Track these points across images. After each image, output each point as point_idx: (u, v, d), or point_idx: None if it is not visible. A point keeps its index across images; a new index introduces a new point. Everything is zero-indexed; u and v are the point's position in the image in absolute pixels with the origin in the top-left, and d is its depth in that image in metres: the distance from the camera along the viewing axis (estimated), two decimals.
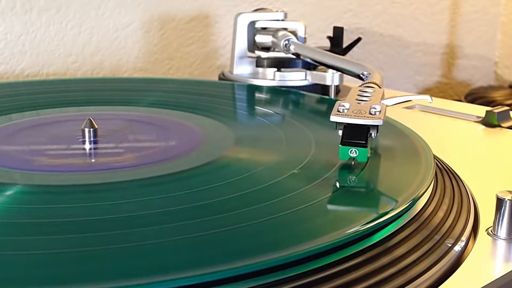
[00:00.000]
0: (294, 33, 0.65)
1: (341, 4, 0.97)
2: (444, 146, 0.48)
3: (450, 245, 0.30)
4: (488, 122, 0.55)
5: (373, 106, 0.36)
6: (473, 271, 0.29)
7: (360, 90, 0.40)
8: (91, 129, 0.41)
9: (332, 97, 0.62)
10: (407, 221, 0.31)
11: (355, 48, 0.73)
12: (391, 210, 0.30)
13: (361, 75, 0.52)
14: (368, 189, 0.35)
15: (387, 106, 0.38)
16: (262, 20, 0.67)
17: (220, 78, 0.68)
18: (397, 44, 1.06)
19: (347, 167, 0.36)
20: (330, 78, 0.61)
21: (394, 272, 0.27)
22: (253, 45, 0.67)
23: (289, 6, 0.91)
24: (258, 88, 0.61)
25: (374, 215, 0.30)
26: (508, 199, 0.31)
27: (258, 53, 0.67)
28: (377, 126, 0.36)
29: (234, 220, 0.29)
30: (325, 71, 0.62)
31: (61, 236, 0.27)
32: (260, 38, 0.67)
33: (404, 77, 1.08)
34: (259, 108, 0.55)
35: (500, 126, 0.54)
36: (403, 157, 0.39)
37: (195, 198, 0.32)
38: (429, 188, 0.34)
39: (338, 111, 0.36)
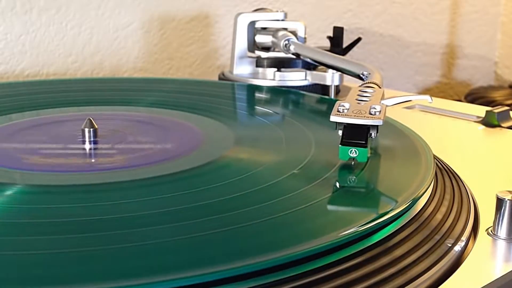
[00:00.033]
0: (294, 33, 0.65)
1: (341, 4, 0.97)
2: (444, 146, 0.48)
3: (450, 245, 0.30)
4: (488, 122, 0.55)
5: (373, 106, 0.36)
6: (473, 271, 0.29)
7: (360, 90, 0.40)
8: (91, 129, 0.41)
9: (332, 97, 0.62)
10: (407, 221, 0.31)
11: (355, 48, 0.73)
12: (391, 210, 0.30)
13: (361, 75, 0.52)
14: (368, 189, 0.35)
15: (387, 106, 0.38)
16: (262, 20, 0.67)
17: (220, 78, 0.68)
18: (397, 44, 1.06)
19: (347, 167, 0.36)
20: (330, 78, 0.61)
21: (394, 272, 0.27)
22: (253, 45, 0.67)
23: (289, 6, 0.91)
24: (258, 88, 0.61)
25: (374, 215, 0.30)
26: (508, 199, 0.31)
27: (258, 53, 0.67)
28: (377, 126, 0.36)
29: (234, 220, 0.29)
30: (325, 71, 0.62)
31: (61, 236, 0.27)
32: (260, 38, 0.67)
33: (404, 77, 1.08)
34: (259, 108, 0.55)
35: (500, 126, 0.54)
36: (403, 157, 0.39)
37: (195, 198, 0.32)
38: (429, 188, 0.34)
39: (338, 111, 0.36)
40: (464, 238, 0.31)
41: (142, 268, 0.24)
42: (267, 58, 0.65)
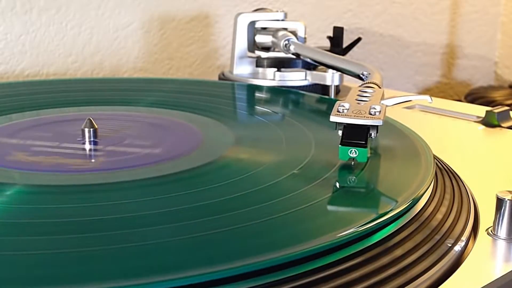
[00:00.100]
0: (294, 33, 0.65)
1: (341, 4, 0.97)
2: (444, 146, 0.48)
3: (450, 245, 0.30)
4: (488, 122, 0.55)
5: (373, 106, 0.36)
6: (473, 271, 0.29)
7: (360, 90, 0.40)
8: (91, 129, 0.41)
9: (332, 97, 0.62)
10: (407, 221, 0.31)
11: (355, 48, 0.73)
12: (391, 210, 0.30)
13: (361, 75, 0.52)
14: (368, 189, 0.35)
15: (387, 106, 0.38)
16: (262, 20, 0.67)
17: (220, 78, 0.68)
18: (397, 44, 1.06)
19: (347, 167, 0.36)
20: (330, 78, 0.61)
21: (394, 272, 0.27)
22: (253, 45, 0.67)
23: (289, 6, 0.91)
24: (258, 88, 0.61)
25: (374, 215, 0.30)
26: (508, 199, 0.31)
27: (258, 53, 0.67)
28: (377, 126, 0.36)
29: (234, 220, 0.29)
30: (325, 71, 0.62)
31: (61, 236, 0.27)
32: (260, 38, 0.67)
33: (404, 77, 1.08)
34: (259, 108, 0.55)
35: (500, 126, 0.54)
36: (403, 157, 0.39)
37: (195, 198, 0.32)
38: (429, 188, 0.34)
39: (338, 111, 0.36)
40: (464, 238, 0.31)
41: (142, 268, 0.24)
42: (267, 58, 0.65)
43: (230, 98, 0.58)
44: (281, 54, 0.65)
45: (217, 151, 0.39)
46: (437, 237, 0.31)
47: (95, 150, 0.40)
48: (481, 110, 0.58)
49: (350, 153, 0.35)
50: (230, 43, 0.70)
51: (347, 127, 0.36)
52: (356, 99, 0.38)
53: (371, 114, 0.36)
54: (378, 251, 0.28)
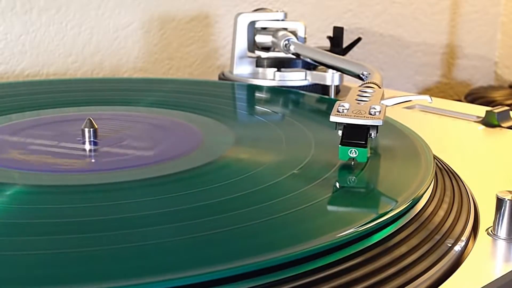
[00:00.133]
0: (294, 33, 0.65)
1: (341, 4, 0.97)
2: (444, 146, 0.48)
3: (450, 245, 0.30)
4: (488, 122, 0.55)
5: (373, 106, 0.36)
6: (473, 271, 0.29)
7: (360, 90, 0.40)
8: (91, 129, 0.41)
9: (332, 97, 0.62)
10: (407, 221, 0.31)
11: (355, 48, 0.73)
12: (391, 210, 0.30)
13: (361, 75, 0.52)
14: (368, 189, 0.35)
15: (387, 106, 0.38)
16: (262, 20, 0.67)
17: (220, 78, 0.68)
18: (397, 44, 1.06)
19: (347, 168, 0.36)
20: (330, 78, 0.61)
21: (394, 272, 0.27)
22: (253, 45, 0.67)
23: (289, 6, 0.91)
24: (258, 88, 0.61)
25: (374, 215, 0.30)
26: (508, 199, 0.31)
27: (258, 53, 0.67)
28: (377, 126, 0.36)
29: (234, 220, 0.29)
30: (325, 71, 0.62)
31: (61, 236, 0.27)
32: (260, 38, 0.67)
33: (404, 77, 1.08)
34: (259, 108, 0.55)
35: (500, 126, 0.54)
36: (403, 157, 0.39)
37: (195, 198, 0.32)
38: (429, 188, 0.34)
39: (338, 111, 0.36)
40: (464, 238, 0.31)
41: (142, 268, 0.24)
42: (267, 58, 0.65)
43: (230, 98, 0.58)
44: (281, 54, 0.65)
45: (217, 151, 0.39)
46: (437, 237, 0.31)
47: (95, 150, 0.40)
48: (481, 110, 0.58)
49: (350, 153, 0.35)
50: (230, 43, 0.70)
51: (347, 127, 0.36)
52: (356, 99, 0.38)
53: (371, 114, 0.36)
54: (378, 251, 0.28)
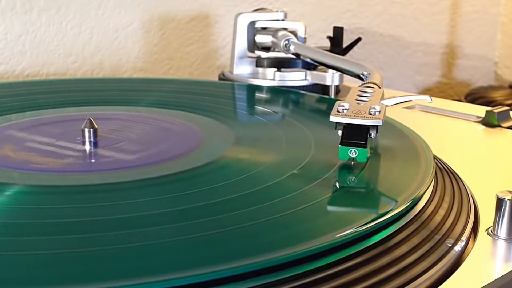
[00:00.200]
0: (294, 33, 0.65)
1: (341, 4, 0.97)
2: (444, 146, 0.48)
3: (450, 245, 0.30)
4: (488, 122, 0.55)
5: (373, 106, 0.36)
6: (473, 271, 0.29)
7: (359, 90, 0.40)
8: (91, 129, 0.41)
9: (332, 97, 0.62)
10: (407, 221, 0.31)
11: (355, 48, 0.73)
12: (391, 210, 0.30)
13: (361, 75, 0.52)
14: (368, 189, 0.35)
15: (387, 106, 0.38)
16: (262, 20, 0.67)
17: (220, 78, 0.68)
18: (397, 44, 1.06)
19: (347, 167, 0.36)
20: (330, 78, 0.61)
21: (394, 272, 0.27)
22: (253, 45, 0.67)
23: (289, 6, 0.91)
24: (258, 88, 0.61)
25: (374, 215, 0.30)
26: (508, 199, 0.31)
27: (258, 53, 0.67)
28: (377, 126, 0.36)
29: (234, 220, 0.29)
30: (325, 71, 0.62)
31: (61, 237, 0.27)
32: (260, 38, 0.67)
33: (404, 77, 1.08)
34: (259, 108, 0.55)
35: (500, 126, 0.54)
36: (403, 157, 0.39)
37: (195, 198, 0.32)
38: (429, 188, 0.34)
39: (338, 111, 0.36)
40: (464, 238, 0.31)
41: (142, 268, 0.24)
42: (267, 58, 0.65)
43: (230, 98, 0.58)
44: (281, 54, 0.65)
45: (217, 151, 0.39)
46: (437, 237, 0.31)
47: (95, 150, 0.40)
48: (481, 110, 0.58)
49: (350, 153, 0.35)
50: (230, 43, 0.70)
51: (347, 127, 0.36)
52: (356, 99, 0.38)
53: (371, 114, 0.36)
54: (378, 251, 0.28)
